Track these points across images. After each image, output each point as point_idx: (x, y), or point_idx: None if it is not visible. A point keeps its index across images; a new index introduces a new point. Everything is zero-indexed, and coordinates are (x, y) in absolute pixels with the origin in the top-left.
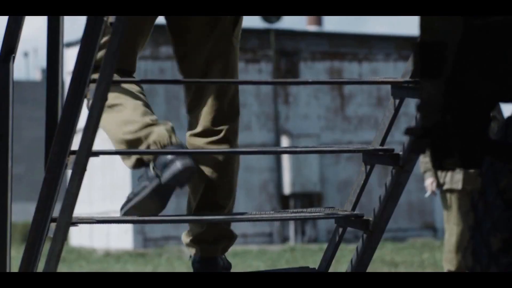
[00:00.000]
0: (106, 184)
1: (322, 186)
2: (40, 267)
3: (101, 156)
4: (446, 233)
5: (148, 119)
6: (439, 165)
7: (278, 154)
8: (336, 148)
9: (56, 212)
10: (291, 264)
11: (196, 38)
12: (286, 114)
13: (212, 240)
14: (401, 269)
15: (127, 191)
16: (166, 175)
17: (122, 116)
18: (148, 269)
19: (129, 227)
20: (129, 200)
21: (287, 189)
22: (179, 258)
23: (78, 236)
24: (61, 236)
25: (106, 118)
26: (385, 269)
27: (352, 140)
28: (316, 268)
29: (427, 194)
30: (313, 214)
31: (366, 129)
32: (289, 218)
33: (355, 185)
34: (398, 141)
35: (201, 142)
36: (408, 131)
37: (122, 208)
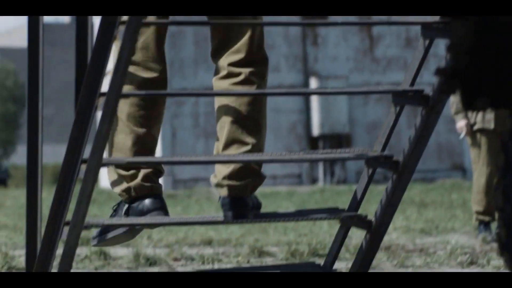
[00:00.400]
0: None
1: (351, 128)
2: (71, 209)
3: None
4: (475, 174)
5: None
6: (469, 105)
7: (306, 95)
8: (366, 89)
9: (86, 153)
10: (320, 205)
11: None
12: (314, 55)
13: (240, 179)
14: (430, 209)
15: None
16: (142, 221)
17: (124, 142)
18: (178, 210)
19: None
20: (104, 231)
21: (315, 131)
22: (208, 199)
23: (107, 178)
24: (92, 178)
25: (117, 137)
26: (414, 210)
27: (381, 81)
28: (346, 209)
29: (462, 135)
30: (343, 155)
31: (395, 70)
32: (319, 158)
33: (385, 126)
34: (427, 82)
35: (225, 84)
36: (438, 72)
37: (94, 238)
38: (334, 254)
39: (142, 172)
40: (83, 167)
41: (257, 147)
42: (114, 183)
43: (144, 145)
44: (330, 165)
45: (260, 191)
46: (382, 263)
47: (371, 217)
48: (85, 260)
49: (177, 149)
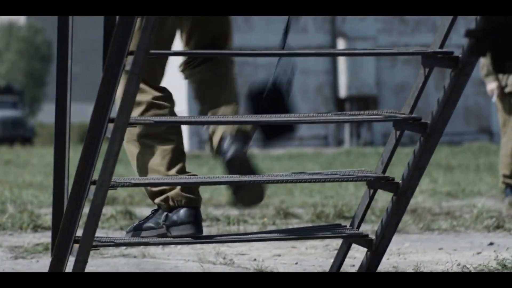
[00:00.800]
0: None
1: (378, 89)
2: (98, 168)
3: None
4: (504, 137)
5: (173, 172)
6: (500, 67)
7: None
8: (395, 50)
9: (113, 112)
10: (346, 167)
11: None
12: (342, 16)
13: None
14: (457, 172)
15: (183, 92)
16: (174, 232)
17: (151, 162)
18: (204, 170)
19: (184, 130)
20: (136, 229)
21: (342, 92)
22: None
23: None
24: (119, 137)
25: (137, 155)
26: (441, 173)
27: (409, 43)
28: (373, 171)
29: (494, 99)
30: (371, 117)
31: (424, 32)
32: (346, 120)
33: (413, 89)
34: (455, 45)
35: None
36: (468, 33)
37: (128, 231)
38: (360, 216)
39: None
40: (110, 126)
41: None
42: (154, 194)
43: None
44: (357, 127)
45: (286, 152)
46: (408, 226)
47: (398, 180)
48: (111, 219)
49: None
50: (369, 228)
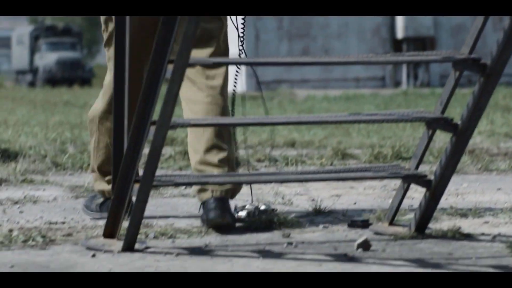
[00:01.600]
0: None
1: (436, 31)
2: (157, 110)
3: None
4: None
5: None
6: None
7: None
8: (424, 57)
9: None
10: (403, 108)
11: None
12: None
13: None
14: None
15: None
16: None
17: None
18: (260, 112)
19: (242, 70)
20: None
21: (400, 33)
22: (291, 101)
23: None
24: (178, 78)
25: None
26: (498, 115)
27: None
28: (432, 111)
29: None
30: (430, 57)
31: None
32: (405, 61)
33: (473, 29)
34: None
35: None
36: None
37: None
38: (418, 157)
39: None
40: (170, 67)
41: (231, 154)
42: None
43: None
44: (414, 68)
45: (343, 94)
46: (466, 167)
47: (457, 120)
48: (170, 159)
49: (260, 51)
50: (427, 169)
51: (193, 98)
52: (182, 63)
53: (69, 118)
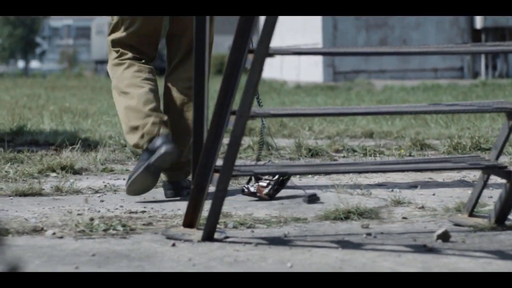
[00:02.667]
0: (298, 17)
1: None
2: (237, 101)
3: None
4: None
5: (147, 109)
6: None
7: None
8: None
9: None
10: (482, 99)
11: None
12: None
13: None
14: None
15: (317, 25)
16: (154, 157)
17: (129, 103)
18: (338, 102)
19: (319, 60)
20: (129, 177)
21: (478, 23)
22: (369, 91)
23: (269, 69)
24: (258, 67)
25: (118, 103)
26: None
27: None
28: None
29: None
30: (509, 47)
31: None
32: (485, 51)
33: None
34: None
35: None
36: None
37: (126, 183)
38: (499, 148)
39: (152, 118)
40: (250, 56)
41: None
42: (131, 138)
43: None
44: (492, 59)
45: (421, 84)
46: None
47: None
48: (248, 149)
49: (338, 41)
50: (507, 160)
51: (173, 87)
52: (263, 53)
53: None
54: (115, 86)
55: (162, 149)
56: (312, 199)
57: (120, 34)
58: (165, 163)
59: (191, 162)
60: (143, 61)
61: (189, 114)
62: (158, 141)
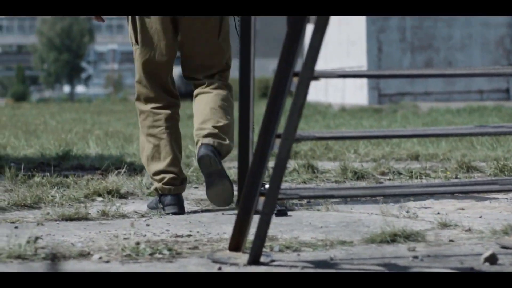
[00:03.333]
0: (342, 40)
1: None
2: (281, 125)
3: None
4: None
5: (164, 164)
6: None
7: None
8: None
9: (297, 67)
10: None
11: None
12: None
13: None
14: None
15: (362, 47)
16: (167, 210)
17: (148, 154)
18: (383, 125)
19: (364, 83)
20: (148, 205)
21: None
22: (414, 113)
23: (314, 92)
24: (303, 90)
25: (141, 147)
26: None
27: None
28: None
29: None
30: None
31: None
32: None
33: None
34: None
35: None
36: None
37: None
38: None
39: (167, 177)
40: (295, 80)
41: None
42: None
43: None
44: None
45: (467, 106)
46: None
47: None
48: (293, 172)
49: (383, 63)
50: None
51: (199, 90)
52: (308, 76)
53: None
54: (140, 127)
55: (167, 210)
56: (281, 213)
57: (139, 64)
58: (173, 213)
59: None
60: (163, 103)
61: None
62: (167, 200)
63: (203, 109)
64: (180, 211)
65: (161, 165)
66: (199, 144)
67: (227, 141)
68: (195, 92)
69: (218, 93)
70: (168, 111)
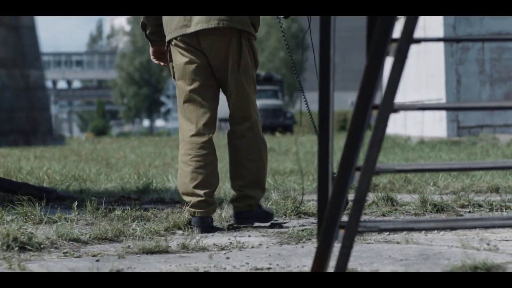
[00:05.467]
0: (421, 72)
1: None
2: (360, 157)
3: (416, 44)
4: None
5: (190, 187)
6: None
7: None
8: None
9: (376, 100)
10: None
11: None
12: None
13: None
14: None
15: (441, 80)
16: (196, 230)
17: (181, 177)
18: (462, 157)
19: (443, 115)
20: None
21: None
22: (494, 146)
23: (392, 125)
24: (383, 123)
25: (179, 168)
26: None
27: None
28: None
29: None
30: None
31: None
32: None
33: None
34: None
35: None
36: None
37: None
38: None
39: (196, 199)
40: (374, 113)
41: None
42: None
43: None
44: None
45: None
46: None
47: None
48: (372, 205)
49: (462, 95)
50: None
51: (227, 138)
52: (387, 109)
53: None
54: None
55: (195, 230)
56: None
57: (182, 89)
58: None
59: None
60: (200, 130)
61: (247, 155)
62: (193, 221)
63: (231, 163)
64: (204, 232)
65: (189, 187)
66: (232, 208)
67: (255, 195)
68: (227, 137)
69: (243, 143)
70: (203, 140)
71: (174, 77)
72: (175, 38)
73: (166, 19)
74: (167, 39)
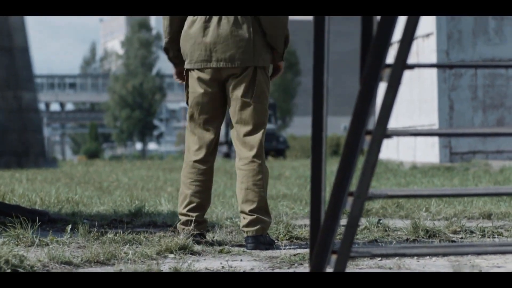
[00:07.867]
0: (414, 98)
1: None
2: (353, 184)
3: (409, 70)
4: None
5: (185, 210)
6: None
7: None
8: None
9: (369, 125)
10: None
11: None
12: None
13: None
14: None
15: (433, 106)
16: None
17: (180, 196)
18: (455, 183)
19: (435, 141)
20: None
21: None
22: (486, 172)
23: (385, 149)
24: (376, 149)
25: (181, 189)
26: None
27: None
28: None
29: None
30: None
31: None
32: None
33: None
34: None
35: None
36: None
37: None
38: None
39: (183, 219)
40: (368, 138)
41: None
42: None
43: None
44: None
45: None
46: None
47: None
48: (364, 230)
49: (454, 121)
50: None
51: (236, 165)
52: (380, 134)
53: None
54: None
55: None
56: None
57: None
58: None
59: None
60: (204, 158)
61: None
62: (185, 233)
63: (240, 188)
64: (194, 239)
65: (184, 208)
66: (245, 234)
67: (266, 218)
68: (235, 164)
69: (250, 169)
70: (204, 167)
71: (187, 102)
72: (195, 69)
73: (185, 47)
74: (186, 66)
